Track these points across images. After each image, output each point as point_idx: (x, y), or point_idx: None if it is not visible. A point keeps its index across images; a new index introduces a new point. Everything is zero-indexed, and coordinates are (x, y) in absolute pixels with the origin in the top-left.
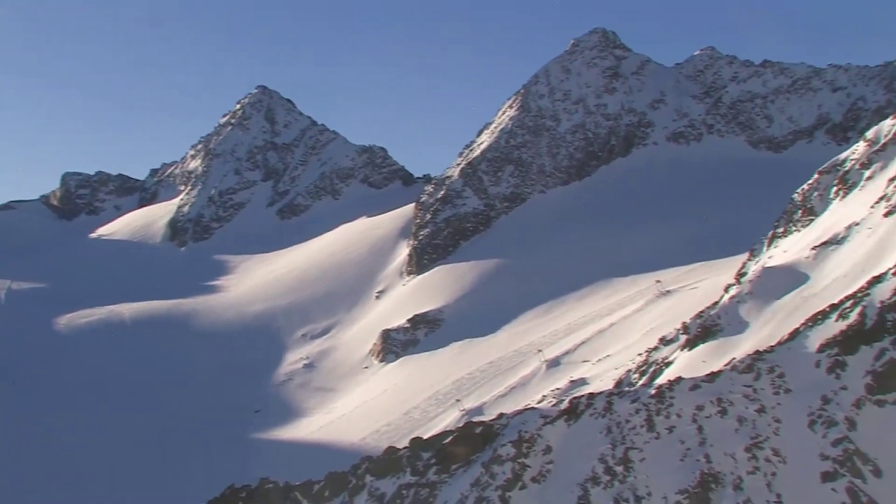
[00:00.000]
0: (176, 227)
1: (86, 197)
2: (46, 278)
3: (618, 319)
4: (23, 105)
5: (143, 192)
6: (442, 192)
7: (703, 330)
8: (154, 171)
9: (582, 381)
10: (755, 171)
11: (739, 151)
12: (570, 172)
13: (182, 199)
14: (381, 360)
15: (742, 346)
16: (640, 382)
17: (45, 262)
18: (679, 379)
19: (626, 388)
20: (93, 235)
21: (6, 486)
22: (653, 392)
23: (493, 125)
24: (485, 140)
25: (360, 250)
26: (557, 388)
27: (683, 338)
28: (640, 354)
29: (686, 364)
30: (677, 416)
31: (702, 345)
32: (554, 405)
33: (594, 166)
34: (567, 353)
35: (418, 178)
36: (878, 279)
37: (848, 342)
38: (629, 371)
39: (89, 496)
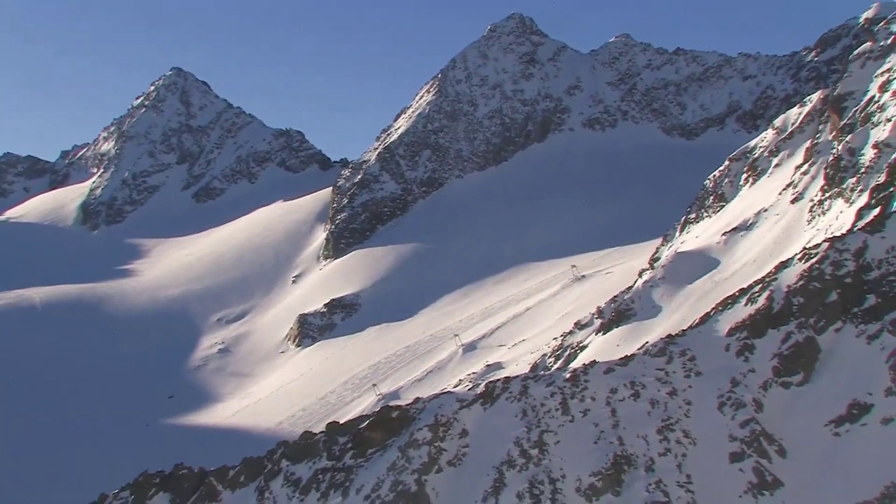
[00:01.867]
0: (88, 210)
1: None
2: None
3: (534, 304)
4: None
5: (53, 175)
6: (359, 177)
7: (617, 314)
8: (65, 153)
9: (498, 365)
10: (668, 157)
11: (653, 138)
12: (487, 157)
13: (94, 182)
14: (298, 345)
15: (655, 330)
16: (556, 366)
17: None
18: (593, 363)
19: (542, 372)
20: (0, 218)
21: None
22: (568, 376)
23: (411, 110)
24: (402, 124)
25: (276, 234)
26: (474, 373)
27: (598, 322)
28: (555, 338)
29: (600, 348)
30: (591, 400)
31: (616, 329)
32: (470, 389)
33: (511, 151)
34: (483, 337)
35: (335, 162)
36: (784, 264)
37: (756, 326)
38: (545, 355)
39: None
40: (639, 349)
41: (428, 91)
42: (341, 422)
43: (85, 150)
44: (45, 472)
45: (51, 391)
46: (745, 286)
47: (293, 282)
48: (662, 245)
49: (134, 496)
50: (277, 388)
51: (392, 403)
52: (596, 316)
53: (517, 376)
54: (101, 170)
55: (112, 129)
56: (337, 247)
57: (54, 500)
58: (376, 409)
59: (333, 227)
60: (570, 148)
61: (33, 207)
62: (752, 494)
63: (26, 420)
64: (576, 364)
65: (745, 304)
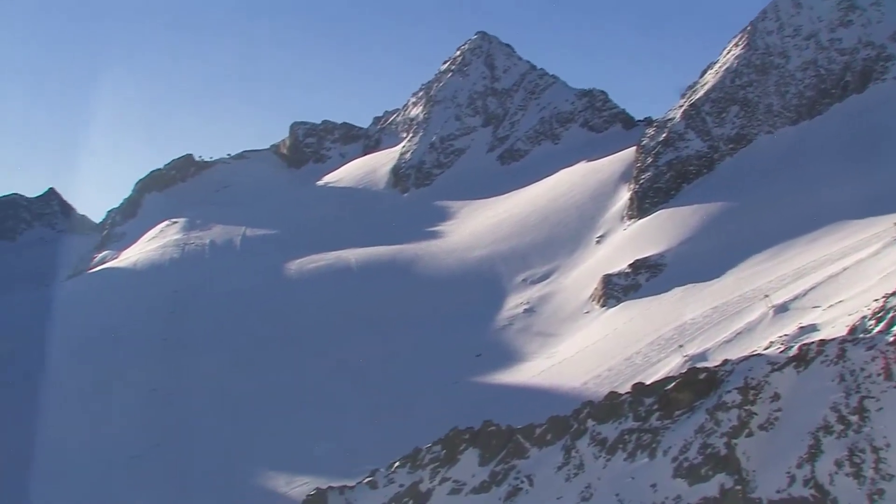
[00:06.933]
0: (398, 174)
1: (313, 145)
2: (277, 224)
3: (851, 263)
4: (253, 58)
5: (366, 140)
6: (664, 135)
7: None
8: (377, 119)
9: (812, 328)
10: None
11: None
12: (799, 111)
13: (404, 147)
14: (602, 305)
15: None
16: (877, 329)
17: (276, 209)
18: None
19: (861, 335)
20: (319, 183)
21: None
22: (891, 339)
23: (718, 65)
24: (709, 80)
25: (579, 195)
26: (785, 335)
27: None
28: (876, 300)
29: None
30: None
31: None
32: (782, 352)
33: (826, 104)
34: (796, 298)
35: (639, 120)
36: None
37: None
38: (864, 317)
39: (325, 426)
40: None
41: (736, 45)
42: (647, 383)
43: (395, 115)
44: (361, 428)
45: (366, 350)
46: None
47: (597, 242)
48: None
49: (445, 451)
50: (582, 348)
51: (699, 365)
52: None
53: (833, 339)
54: (411, 134)
55: (420, 94)
56: (641, 206)
57: (371, 451)
58: (683, 371)
59: (637, 186)
60: (893, 98)
61: (348, 172)
62: None
63: (343, 374)
64: None
65: None
